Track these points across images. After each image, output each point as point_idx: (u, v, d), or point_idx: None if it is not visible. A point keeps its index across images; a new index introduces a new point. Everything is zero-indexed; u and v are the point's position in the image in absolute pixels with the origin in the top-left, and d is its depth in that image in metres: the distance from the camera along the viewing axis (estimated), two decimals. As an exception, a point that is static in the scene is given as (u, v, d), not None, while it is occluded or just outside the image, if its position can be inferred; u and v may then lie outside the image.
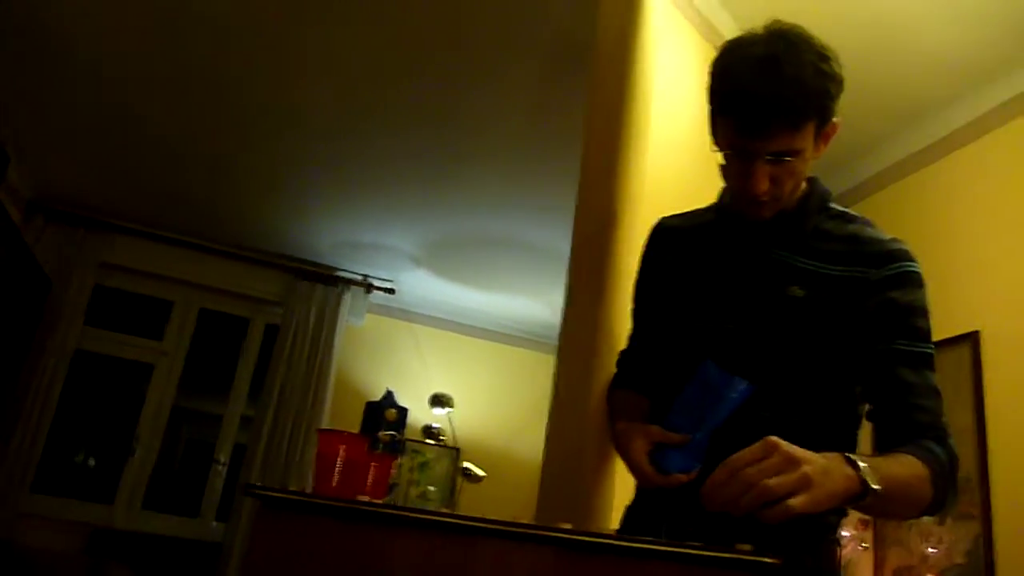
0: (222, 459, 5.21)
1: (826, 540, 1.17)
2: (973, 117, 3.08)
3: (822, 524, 1.16)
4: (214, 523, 5.08)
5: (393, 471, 1.24)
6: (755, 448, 0.89)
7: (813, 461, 0.90)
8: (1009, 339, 2.76)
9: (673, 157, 2.22)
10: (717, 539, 0.87)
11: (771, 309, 1.16)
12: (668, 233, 1.38)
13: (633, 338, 1.43)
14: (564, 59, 2.80)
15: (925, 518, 2.74)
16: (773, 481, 0.86)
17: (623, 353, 1.44)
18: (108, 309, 5.20)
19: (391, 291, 5.54)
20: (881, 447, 1.12)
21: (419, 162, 4.02)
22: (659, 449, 1.15)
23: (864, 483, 0.93)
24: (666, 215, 1.42)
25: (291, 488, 0.99)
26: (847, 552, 2.74)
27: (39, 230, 4.84)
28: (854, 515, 2.78)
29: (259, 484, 0.91)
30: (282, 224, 5.00)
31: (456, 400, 4.97)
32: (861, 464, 0.94)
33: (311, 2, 2.98)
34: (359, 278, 5.50)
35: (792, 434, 0.95)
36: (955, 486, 1.10)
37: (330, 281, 5.42)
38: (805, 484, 0.87)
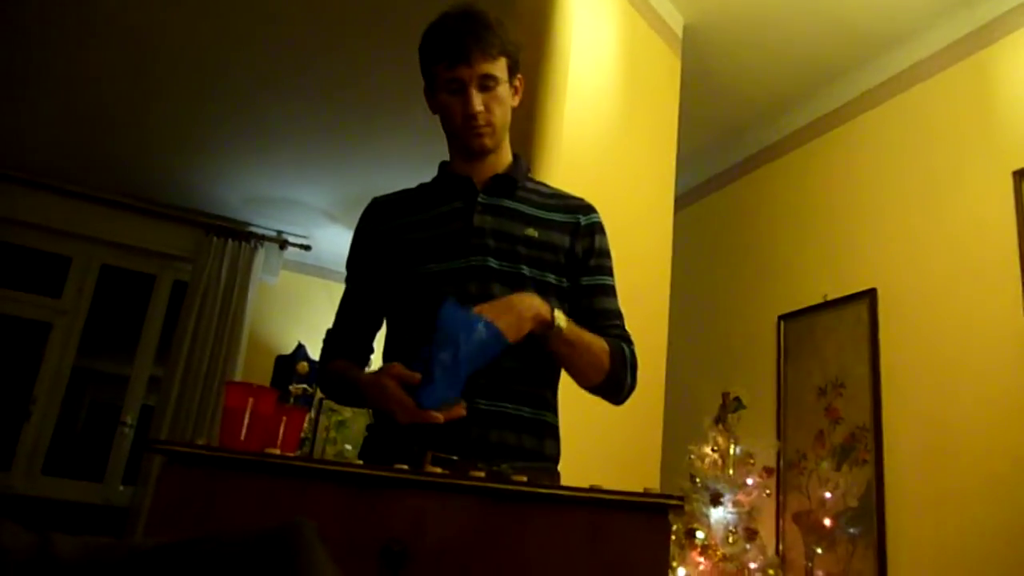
0: (129, 421, 5.04)
1: (556, 470, 1.41)
2: (876, 83, 3.20)
3: (552, 456, 1.40)
4: (121, 487, 4.93)
5: (304, 425, 1.22)
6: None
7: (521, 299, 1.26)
8: (903, 296, 2.91)
9: (590, 117, 2.23)
10: (474, 456, 1.21)
11: (514, 246, 1.38)
12: (383, 203, 1.52)
13: (340, 316, 1.53)
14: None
15: (823, 464, 2.88)
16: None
17: (329, 332, 1.53)
18: (2, 265, 4.90)
19: (307, 247, 5.42)
20: None
21: (332, 117, 3.92)
22: (413, 385, 1.20)
23: (554, 316, 1.27)
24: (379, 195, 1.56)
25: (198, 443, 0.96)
26: (752, 499, 2.87)
27: (-81, 180, 4.51)
28: (759, 464, 2.92)
29: (155, 439, 0.88)
30: (192, 178, 4.80)
31: (373, 358, 4.92)
32: (557, 312, 1.28)
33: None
34: (273, 234, 5.36)
35: (524, 352, 1.29)
36: (634, 375, 1.41)
37: (243, 236, 5.25)
38: (508, 307, 1.24)
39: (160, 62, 3.63)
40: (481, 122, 1.37)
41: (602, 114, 2.28)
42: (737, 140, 3.82)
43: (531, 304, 1.26)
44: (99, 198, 4.96)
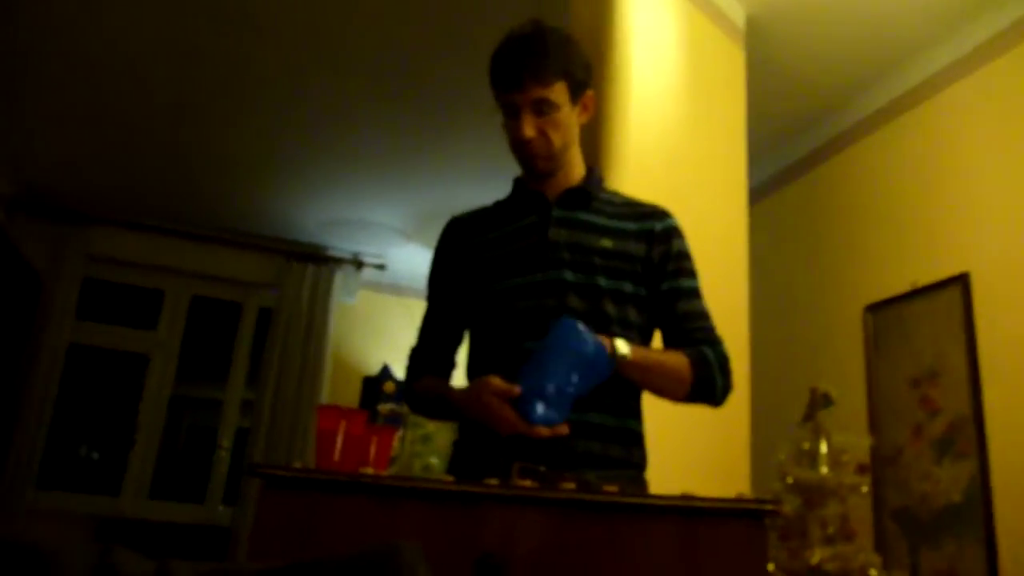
0: (225, 444, 5.23)
1: (643, 477, 1.40)
2: (956, 58, 3.06)
3: (639, 463, 1.39)
4: (221, 507, 5.11)
5: (394, 443, 1.24)
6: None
7: None
8: (999, 279, 2.77)
9: (657, 119, 2.21)
10: (560, 467, 1.17)
11: (590, 258, 1.38)
12: (461, 221, 1.54)
13: (422, 333, 1.54)
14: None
15: (921, 458, 2.77)
16: None
17: (413, 350, 1.54)
18: (100, 302, 5.17)
19: (382, 267, 5.53)
20: None
21: (401, 136, 3.99)
22: (522, 399, 1.21)
23: (615, 347, 1.26)
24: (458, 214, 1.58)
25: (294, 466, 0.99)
26: (847, 497, 2.77)
27: (23, 227, 4.78)
28: (853, 460, 2.81)
29: (254, 463, 0.91)
30: (269, 206, 4.96)
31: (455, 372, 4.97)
32: (619, 342, 1.27)
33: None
34: (349, 256, 5.48)
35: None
36: (725, 376, 1.38)
37: (321, 260, 5.40)
38: None
39: (232, 95, 3.76)
40: (534, 148, 1.38)
41: (668, 115, 2.26)
42: (809, 129, 3.71)
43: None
44: (185, 232, 5.18)
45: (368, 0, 3.02)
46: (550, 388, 1.18)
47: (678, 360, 1.34)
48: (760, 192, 3.95)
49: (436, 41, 3.22)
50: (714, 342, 1.41)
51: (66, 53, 3.49)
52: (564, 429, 1.21)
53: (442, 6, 3.00)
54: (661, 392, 1.36)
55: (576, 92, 1.40)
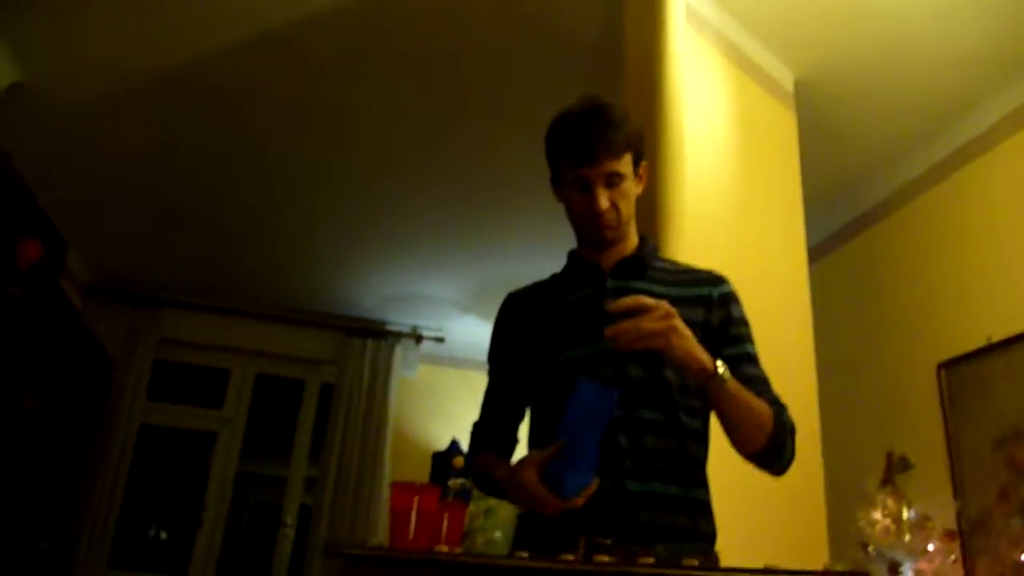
0: (289, 521, 5.25)
1: (713, 550, 1.36)
2: (1014, 107, 3.03)
3: (708, 534, 1.37)
4: (286, 586, 5.10)
5: (466, 519, 1.25)
6: (646, 300, 1.21)
7: (685, 327, 1.22)
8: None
9: (712, 185, 2.23)
10: (626, 539, 1.19)
11: None
12: (518, 297, 1.57)
13: (484, 408, 1.55)
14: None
15: (1013, 522, 2.64)
16: (650, 324, 1.19)
17: (475, 425, 1.55)
18: (169, 382, 5.32)
19: (441, 340, 5.58)
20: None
21: (457, 210, 4.08)
22: (550, 475, 1.20)
23: (717, 365, 1.23)
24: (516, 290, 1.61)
25: (369, 544, 1.01)
26: (935, 567, 2.64)
27: (98, 312, 5.01)
28: (938, 527, 2.69)
29: (332, 543, 0.92)
30: (328, 284, 5.09)
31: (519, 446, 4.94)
32: (720, 366, 1.24)
33: (343, 66, 3.08)
34: (408, 330, 5.56)
35: (670, 430, 1.34)
36: (793, 441, 1.36)
37: (380, 335, 5.48)
38: (673, 330, 1.21)
39: (297, 187, 3.93)
40: (607, 219, 1.40)
41: (723, 180, 2.28)
42: (868, 185, 3.68)
43: (697, 345, 1.25)
44: (249, 312, 5.34)
45: (423, 86, 3.15)
46: (578, 456, 1.20)
47: (763, 406, 1.32)
48: (821, 251, 3.91)
49: (490, 123, 3.32)
50: (782, 406, 1.39)
51: (134, 148, 3.70)
52: (593, 486, 1.21)
53: (497, 88, 3.11)
54: (740, 432, 1.32)
55: (637, 162, 1.44)
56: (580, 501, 1.20)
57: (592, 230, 1.43)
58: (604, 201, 1.38)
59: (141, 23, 2.91)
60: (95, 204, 4.21)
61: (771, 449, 1.33)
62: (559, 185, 1.46)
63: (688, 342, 1.23)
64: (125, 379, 4.91)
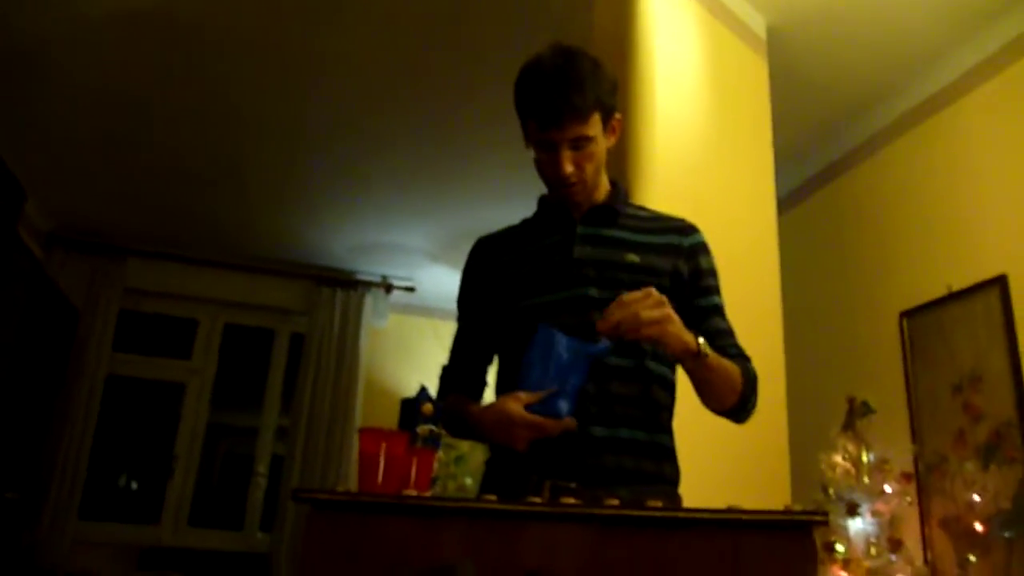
0: (261, 470, 5.27)
1: (677, 492, 1.41)
2: (980, 60, 3.04)
3: (671, 478, 1.40)
4: (259, 534, 5.14)
5: (434, 464, 1.25)
6: (636, 292, 1.22)
7: (672, 313, 1.24)
8: (1038, 279, 2.73)
9: (682, 133, 2.21)
10: (591, 483, 1.23)
11: (616, 273, 1.39)
12: (488, 242, 1.56)
13: (453, 352, 1.56)
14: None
15: (967, 465, 2.72)
16: (647, 313, 1.20)
17: (444, 368, 1.57)
18: (136, 333, 5.26)
19: (411, 289, 5.57)
20: None
21: (427, 158, 4.03)
22: (538, 407, 1.23)
23: (699, 344, 1.27)
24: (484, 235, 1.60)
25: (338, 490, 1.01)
26: (892, 508, 2.72)
27: (61, 262, 4.90)
28: (896, 469, 2.77)
29: (300, 489, 0.93)
30: (297, 233, 5.03)
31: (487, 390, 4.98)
32: (701, 339, 1.27)
33: (315, 12, 2.99)
34: (378, 279, 5.53)
35: (638, 376, 1.35)
36: (755, 396, 1.40)
37: (350, 285, 5.45)
38: (668, 318, 1.23)
39: (261, 128, 3.84)
40: (572, 182, 1.39)
41: (694, 128, 2.26)
42: (836, 136, 3.69)
43: (683, 327, 1.27)
44: (216, 262, 5.27)
45: (394, 33, 3.07)
46: (568, 387, 1.23)
47: (734, 368, 1.35)
48: (789, 202, 3.93)
49: (460, 70, 3.26)
50: (746, 358, 1.42)
51: (98, 97, 3.58)
52: (573, 423, 1.23)
53: (466, 35, 3.05)
54: (711, 395, 1.35)
55: (607, 119, 1.40)
56: (572, 422, 1.22)
57: (557, 190, 1.43)
58: (568, 165, 1.36)
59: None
60: (55, 150, 4.09)
61: (738, 405, 1.37)
62: (526, 134, 1.43)
63: (677, 326, 1.24)
64: (90, 330, 4.84)
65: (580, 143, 1.35)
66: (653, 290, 1.23)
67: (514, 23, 2.91)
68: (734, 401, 1.36)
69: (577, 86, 1.32)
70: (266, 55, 3.28)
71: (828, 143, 3.75)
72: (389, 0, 2.91)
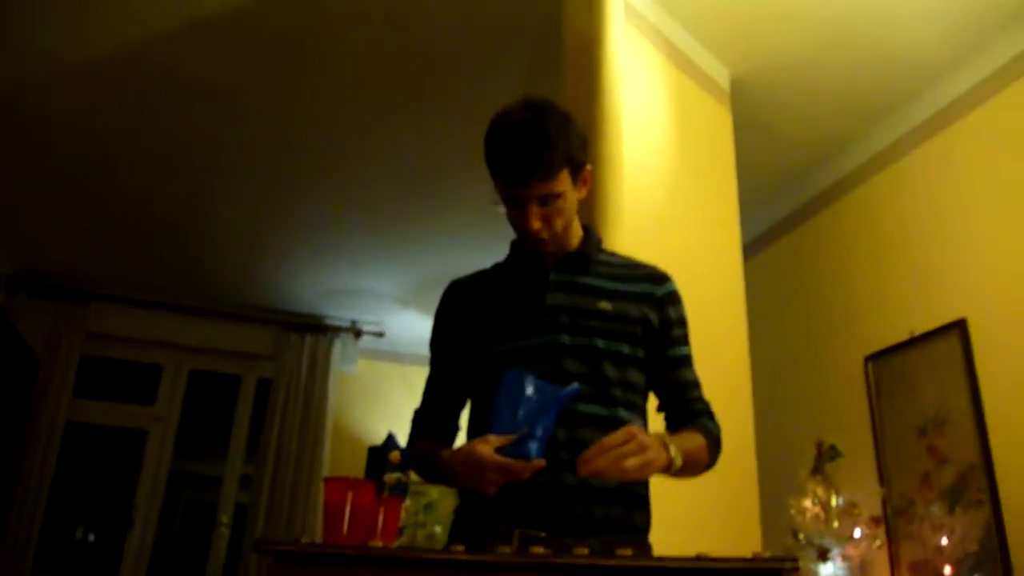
0: (224, 520, 5.13)
1: (647, 540, 1.41)
2: (937, 109, 3.14)
3: (642, 526, 1.40)
4: (221, 586, 4.99)
5: (402, 514, 1.23)
6: (618, 435, 1.20)
7: (653, 446, 1.22)
8: (997, 324, 2.79)
9: (650, 182, 2.25)
10: (561, 532, 1.24)
11: (588, 321, 1.40)
12: (461, 285, 1.57)
13: (425, 396, 1.56)
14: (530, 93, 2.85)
15: (933, 508, 2.74)
16: (629, 463, 1.18)
17: (416, 413, 1.56)
18: (98, 379, 5.14)
19: (380, 334, 5.53)
20: (672, 427, 1.47)
21: (397, 203, 4.04)
22: (508, 449, 1.22)
23: (671, 462, 1.26)
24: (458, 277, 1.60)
25: (302, 541, 0.98)
26: (862, 552, 2.72)
27: (21, 306, 4.80)
28: (865, 513, 2.78)
29: (262, 540, 0.90)
30: (265, 278, 4.99)
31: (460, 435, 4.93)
32: (672, 448, 1.26)
33: (284, 56, 3.01)
34: (348, 324, 5.49)
35: (609, 424, 1.30)
36: (719, 448, 1.43)
37: (319, 330, 5.40)
38: (649, 464, 1.21)
39: (227, 171, 3.83)
40: (541, 237, 1.40)
41: (661, 177, 2.31)
42: (798, 183, 3.78)
43: (660, 453, 1.24)
44: (182, 306, 5.20)
45: (362, 75, 3.10)
46: (538, 430, 1.22)
47: (699, 445, 1.37)
48: (754, 248, 3.99)
49: (430, 114, 3.30)
50: (710, 413, 1.46)
51: (66, 140, 3.56)
52: (543, 463, 1.22)
53: (437, 80, 3.09)
54: (684, 477, 1.36)
55: (577, 174, 1.40)
56: (543, 463, 1.21)
57: (526, 241, 1.44)
58: (535, 222, 1.37)
59: (71, 9, 2.80)
60: (17, 193, 4.03)
61: (705, 470, 1.42)
62: (496, 187, 1.44)
63: (657, 461, 1.23)
64: (50, 375, 4.73)
65: (548, 200, 1.36)
66: (635, 431, 1.21)
67: (486, 68, 2.95)
68: (701, 472, 1.40)
69: (545, 143, 1.32)
70: (236, 99, 3.29)
71: (791, 190, 3.83)
72: (358, 43, 2.94)
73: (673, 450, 1.26)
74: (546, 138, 1.32)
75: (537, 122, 1.34)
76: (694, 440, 1.37)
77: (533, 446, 1.21)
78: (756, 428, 2.64)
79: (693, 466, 1.35)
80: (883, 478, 3.07)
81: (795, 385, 3.66)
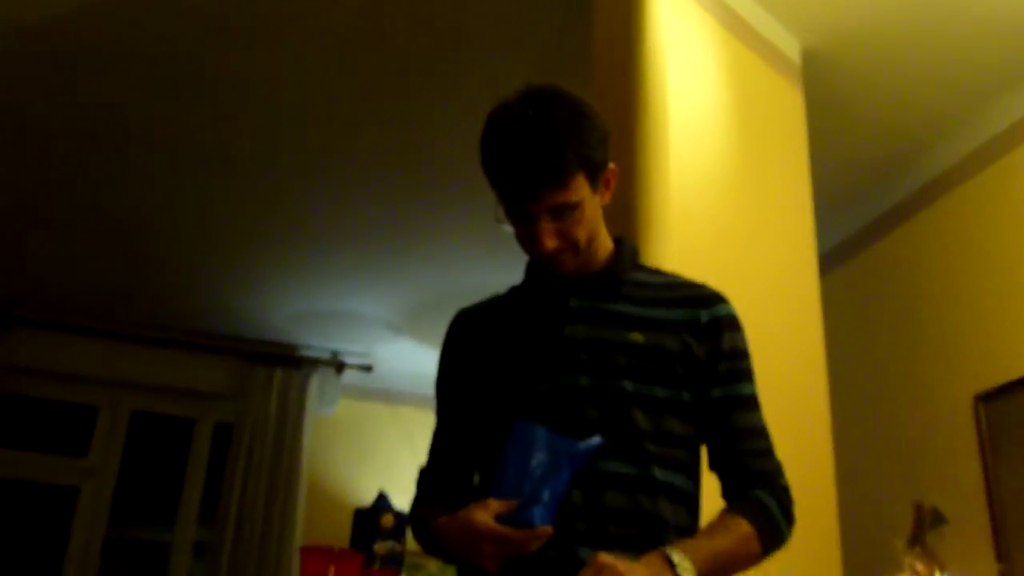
0: (173, 600, 5.16)
1: None
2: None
3: None
4: None
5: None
6: (588, 572, 1.17)
7: (639, 571, 1.18)
8: None
9: (702, 180, 2.27)
10: None
11: (614, 357, 1.39)
12: (467, 316, 1.60)
13: (432, 451, 1.59)
14: (553, 75, 2.88)
15: None
16: None
17: (421, 472, 1.59)
18: (18, 423, 5.19)
19: (368, 368, 5.55)
20: (725, 496, 1.44)
21: (388, 208, 4.07)
22: (510, 517, 1.24)
23: (673, 566, 1.20)
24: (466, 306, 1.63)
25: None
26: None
27: (-74, 333, 4.88)
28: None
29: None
30: (226, 298, 5.03)
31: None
32: (676, 560, 1.21)
33: (248, 30, 3.05)
34: (327, 356, 5.52)
35: (639, 486, 1.32)
36: (790, 520, 1.40)
37: (292, 363, 5.44)
38: None
39: (178, 165, 3.85)
40: (557, 256, 1.39)
41: (716, 174, 2.32)
42: (888, 180, 3.77)
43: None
44: (122, 334, 5.25)
45: (350, 56, 3.14)
46: (545, 493, 1.24)
47: (740, 536, 1.33)
48: (833, 261, 3.98)
49: (429, 104, 3.33)
50: (773, 474, 1.42)
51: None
52: (549, 531, 1.23)
53: (444, 59, 3.12)
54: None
55: (597, 177, 1.39)
56: (549, 530, 1.22)
57: (542, 263, 1.44)
58: (549, 240, 1.36)
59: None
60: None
61: (765, 557, 1.38)
62: (499, 199, 1.42)
63: None
64: (-40, 420, 4.78)
65: (562, 211, 1.35)
66: (607, 562, 1.18)
67: (496, 50, 2.99)
68: (756, 563, 1.36)
69: (552, 146, 1.31)
70: (184, 80, 3.32)
71: (879, 188, 3.83)
72: (349, 14, 2.96)
73: (682, 566, 1.21)
74: (553, 137, 1.31)
75: (542, 118, 1.33)
76: (732, 532, 1.33)
77: (537, 512, 1.23)
78: (839, 486, 2.63)
79: (728, 567, 1.31)
80: (1001, 551, 3.05)
81: (887, 432, 3.64)
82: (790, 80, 2.98)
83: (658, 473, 1.36)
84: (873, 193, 3.86)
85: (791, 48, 3.02)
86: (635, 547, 1.32)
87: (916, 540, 2.86)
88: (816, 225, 2.95)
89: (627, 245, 1.56)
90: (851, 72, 3.18)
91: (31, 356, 5.11)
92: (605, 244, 1.50)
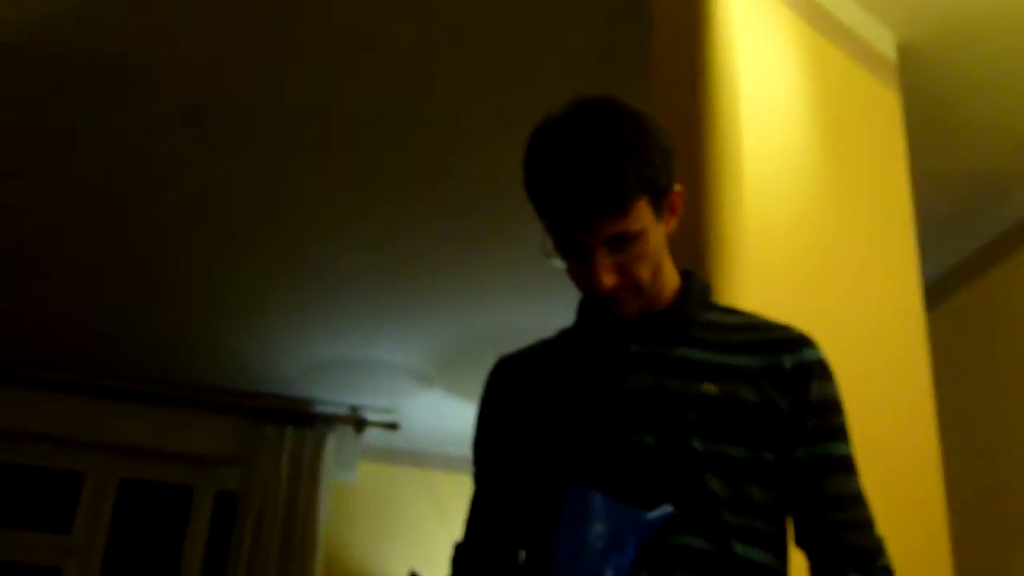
0: None
1: None
2: None
3: None
4: None
5: None
6: None
7: None
8: None
9: (783, 202, 2.27)
10: None
11: (682, 412, 1.37)
12: (509, 365, 1.61)
13: (469, 522, 1.58)
14: (601, 83, 2.89)
15: None
16: None
17: (457, 548, 1.58)
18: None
19: (393, 426, 5.56)
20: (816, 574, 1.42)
21: (416, 240, 4.08)
22: None
23: None
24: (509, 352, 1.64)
25: None
26: None
27: None
28: None
29: None
30: (230, 348, 5.07)
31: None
32: None
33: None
34: (346, 412, 5.55)
35: (716, 564, 1.29)
36: None
37: (305, 420, 5.46)
38: None
39: (165, 196, 3.90)
40: (617, 294, 1.39)
41: (800, 194, 2.31)
42: (1004, 197, 3.73)
43: None
44: (109, 390, 5.30)
45: (375, 58, 3.17)
46: (608, 572, 1.22)
47: None
48: (940, 291, 3.95)
49: (468, 116, 3.37)
50: (873, 552, 1.39)
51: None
52: None
53: (478, 67, 3.16)
54: None
55: (661, 202, 1.38)
56: None
57: (601, 303, 1.44)
58: (608, 277, 1.35)
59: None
60: None
61: None
62: (546, 230, 1.42)
63: None
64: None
65: (622, 242, 1.34)
66: None
67: (544, 51, 3.01)
68: None
69: (610, 167, 1.29)
70: (181, 94, 3.39)
71: (996, 204, 3.79)
72: (368, 13, 2.99)
73: None
74: (612, 156, 1.30)
75: (597, 134, 1.31)
76: None
77: None
78: (956, 557, 2.59)
79: None
80: None
81: (1016, 492, 3.58)
82: (884, 80, 2.97)
83: (739, 548, 1.34)
84: (987, 210, 3.83)
85: (885, 43, 3.01)
86: None
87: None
88: (920, 250, 2.92)
89: (697, 280, 1.55)
90: (957, 69, 3.16)
91: (4, 417, 5.17)
92: (671, 279, 1.49)
